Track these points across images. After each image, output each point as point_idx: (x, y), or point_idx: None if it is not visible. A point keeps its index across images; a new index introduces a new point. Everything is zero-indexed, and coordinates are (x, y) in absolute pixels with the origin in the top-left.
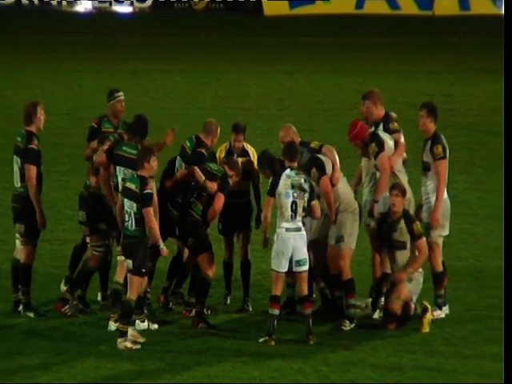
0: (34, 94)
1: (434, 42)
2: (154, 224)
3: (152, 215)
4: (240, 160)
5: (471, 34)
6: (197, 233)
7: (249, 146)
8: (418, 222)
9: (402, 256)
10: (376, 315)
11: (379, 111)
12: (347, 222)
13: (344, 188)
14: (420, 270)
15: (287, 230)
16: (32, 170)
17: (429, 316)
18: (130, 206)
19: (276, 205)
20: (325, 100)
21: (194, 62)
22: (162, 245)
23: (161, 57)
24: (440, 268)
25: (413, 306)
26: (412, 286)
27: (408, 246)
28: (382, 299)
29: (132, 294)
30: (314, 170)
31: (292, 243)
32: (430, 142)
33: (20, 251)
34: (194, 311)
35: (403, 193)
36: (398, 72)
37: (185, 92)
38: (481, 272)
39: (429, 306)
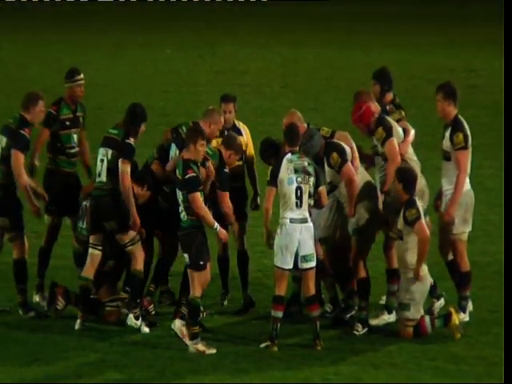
0: (7, 70)
1: (455, 12)
2: (204, 210)
3: (200, 201)
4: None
5: (497, 1)
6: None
7: (240, 123)
8: (411, 209)
9: (400, 247)
10: (389, 318)
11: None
12: (365, 212)
13: (362, 175)
14: (424, 271)
15: (292, 220)
16: (20, 158)
17: (454, 320)
18: (177, 194)
19: (278, 195)
20: (333, 76)
21: (187, 32)
22: (218, 227)
23: (148, 27)
24: (466, 267)
25: (427, 321)
26: (419, 292)
27: (405, 237)
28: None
29: (195, 292)
30: (334, 156)
31: (297, 236)
32: (450, 129)
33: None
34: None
35: (398, 177)
36: (415, 45)
37: (176, 67)
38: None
39: (452, 310)
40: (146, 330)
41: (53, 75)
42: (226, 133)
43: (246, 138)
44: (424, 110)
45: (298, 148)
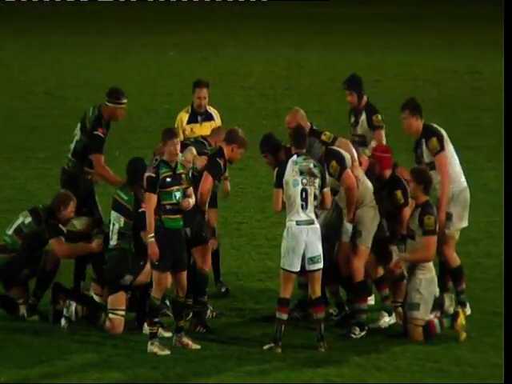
0: (10, 72)
1: (459, 13)
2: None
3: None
4: (205, 125)
5: (500, 3)
6: (193, 221)
7: (211, 108)
8: (431, 217)
9: (410, 246)
10: (390, 320)
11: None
12: (367, 217)
13: (363, 182)
14: (428, 275)
15: (298, 223)
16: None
17: (461, 320)
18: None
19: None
20: (336, 77)
21: (190, 34)
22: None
23: (152, 28)
24: (456, 262)
25: (436, 321)
26: (424, 294)
27: (416, 238)
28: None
29: (153, 291)
30: (333, 164)
31: (304, 238)
32: (423, 141)
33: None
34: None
35: (416, 179)
36: (418, 46)
37: (180, 69)
38: None
39: (459, 310)
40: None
41: (55, 77)
42: (199, 118)
43: (217, 122)
44: (427, 112)
45: (304, 150)
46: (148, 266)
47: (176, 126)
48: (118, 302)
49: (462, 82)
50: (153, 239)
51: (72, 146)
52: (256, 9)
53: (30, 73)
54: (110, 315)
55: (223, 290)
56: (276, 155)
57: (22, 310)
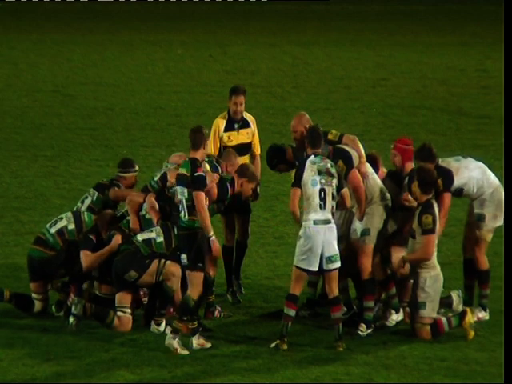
0: (18, 70)
1: (467, 11)
2: (205, 211)
3: (203, 200)
4: (242, 132)
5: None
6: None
7: (247, 114)
8: (429, 216)
9: (412, 245)
10: (398, 317)
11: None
12: (376, 214)
13: (372, 179)
14: (433, 272)
15: (315, 222)
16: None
17: (469, 319)
18: (179, 193)
19: (302, 197)
20: (344, 76)
21: (198, 32)
22: (213, 236)
23: (160, 26)
24: (486, 265)
25: (443, 320)
26: (429, 292)
27: (417, 236)
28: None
29: (192, 292)
30: (340, 164)
31: (322, 238)
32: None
33: None
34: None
35: (417, 178)
36: (426, 44)
37: (187, 66)
38: None
39: (467, 309)
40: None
41: (63, 75)
42: (235, 126)
43: (253, 128)
44: (435, 110)
45: (320, 150)
46: (154, 264)
47: (213, 132)
48: (126, 299)
49: (469, 80)
50: (214, 236)
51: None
52: (263, 7)
53: (37, 71)
54: (118, 313)
55: (230, 298)
56: (286, 161)
57: (38, 307)
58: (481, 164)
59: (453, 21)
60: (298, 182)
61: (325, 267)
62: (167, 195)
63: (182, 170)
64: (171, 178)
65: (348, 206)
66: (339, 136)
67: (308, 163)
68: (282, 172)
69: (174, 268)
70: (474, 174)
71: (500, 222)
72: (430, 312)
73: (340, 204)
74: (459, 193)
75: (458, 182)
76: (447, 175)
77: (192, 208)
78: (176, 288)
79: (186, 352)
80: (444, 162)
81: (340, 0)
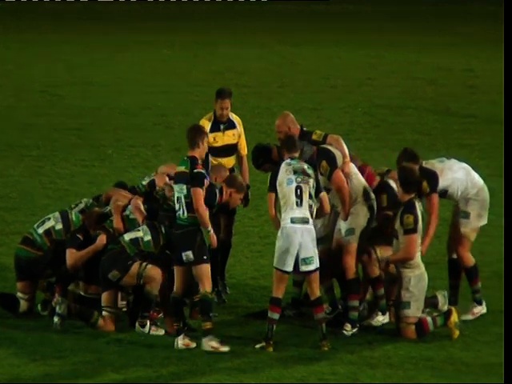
0: (5, 70)
1: (454, 11)
2: (203, 207)
3: (201, 198)
4: (227, 133)
5: (494, 1)
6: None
7: (233, 115)
8: (410, 216)
9: (396, 246)
10: (384, 319)
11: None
12: (361, 214)
13: (356, 178)
14: (417, 272)
15: (293, 220)
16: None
17: (454, 318)
18: (178, 191)
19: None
20: (330, 75)
21: (186, 32)
22: (211, 231)
23: (147, 27)
24: (471, 262)
25: (428, 319)
26: (414, 291)
27: (400, 237)
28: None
29: (206, 287)
30: (324, 164)
31: (298, 239)
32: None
33: None
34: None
35: (399, 178)
36: (413, 44)
37: (175, 67)
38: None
39: (452, 308)
40: (159, 332)
41: (51, 75)
42: (221, 127)
43: (239, 130)
44: (421, 110)
45: (296, 155)
46: (135, 267)
47: None
48: (111, 299)
49: (456, 79)
50: (212, 230)
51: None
52: (250, 7)
53: (25, 71)
54: (103, 313)
55: (216, 298)
56: (271, 160)
57: (24, 306)
58: (464, 165)
59: (440, 21)
60: (272, 187)
61: (300, 269)
62: (155, 197)
63: (181, 168)
64: (159, 183)
65: (327, 212)
66: (323, 136)
67: (283, 165)
68: (268, 171)
69: (154, 272)
70: (458, 175)
71: (484, 221)
72: (414, 311)
73: (319, 211)
74: (443, 194)
75: (442, 183)
76: (432, 177)
77: (190, 205)
78: (156, 292)
79: (226, 348)
80: (428, 163)
81: (327, 1)
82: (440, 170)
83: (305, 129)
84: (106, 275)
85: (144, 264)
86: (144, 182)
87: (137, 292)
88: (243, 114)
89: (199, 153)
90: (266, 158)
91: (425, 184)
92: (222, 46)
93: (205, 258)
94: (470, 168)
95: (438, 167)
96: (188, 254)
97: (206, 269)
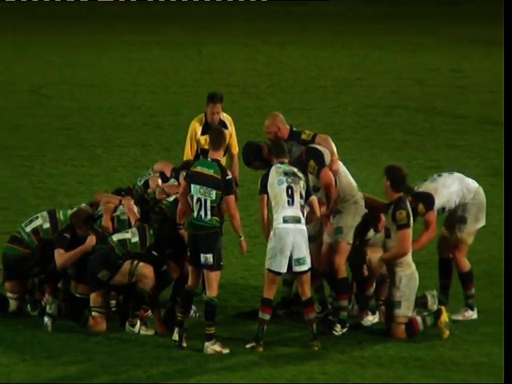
0: None
1: (442, 12)
2: (238, 213)
3: (235, 202)
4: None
5: (482, 2)
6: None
7: (224, 114)
8: (403, 211)
9: (387, 244)
10: (374, 319)
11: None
12: (348, 213)
13: (345, 177)
14: (408, 271)
15: (285, 220)
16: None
17: (444, 318)
18: (201, 193)
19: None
20: (320, 75)
21: (173, 32)
22: (243, 236)
23: (135, 27)
24: (467, 267)
25: (418, 319)
26: (405, 291)
27: (392, 234)
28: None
29: (213, 292)
30: (312, 163)
31: (291, 240)
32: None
33: None
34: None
35: (387, 176)
36: (402, 44)
37: (163, 66)
38: (495, 268)
39: (442, 308)
40: (149, 332)
41: (39, 75)
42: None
43: (230, 129)
44: (410, 110)
45: (286, 160)
46: (126, 265)
47: (189, 135)
48: (100, 300)
49: (445, 79)
50: (243, 237)
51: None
52: (239, 7)
53: (13, 71)
54: (93, 313)
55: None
56: (262, 158)
57: (13, 306)
58: (456, 175)
59: (428, 21)
60: (264, 189)
61: (294, 269)
62: (146, 198)
63: (210, 172)
64: (152, 185)
65: (317, 216)
66: (312, 136)
67: (273, 168)
68: (258, 169)
69: (146, 270)
70: (452, 189)
71: (482, 223)
72: (405, 311)
73: (309, 215)
74: (442, 211)
75: (439, 201)
76: (427, 198)
77: (216, 209)
78: (148, 289)
79: (227, 351)
80: (421, 187)
81: (315, 2)
82: (434, 190)
83: (294, 129)
84: (96, 275)
85: (135, 262)
86: (140, 183)
87: (127, 291)
88: (232, 114)
89: (220, 155)
90: (256, 156)
91: (420, 206)
92: (210, 47)
93: (221, 264)
94: (462, 176)
95: (431, 188)
96: (208, 257)
97: (218, 275)
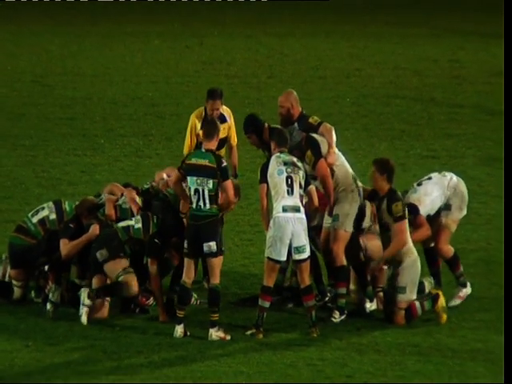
0: None
1: (440, 2)
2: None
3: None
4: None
5: None
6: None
7: (224, 107)
8: (398, 203)
9: (388, 239)
10: (371, 306)
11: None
12: (345, 201)
13: (341, 166)
14: (412, 256)
15: (285, 209)
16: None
17: (441, 302)
18: (199, 184)
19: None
20: (319, 66)
21: (174, 23)
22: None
23: (137, 18)
24: (450, 253)
25: (417, 304)
26: (409, 276)
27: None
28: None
29: (217, 279)
30: (308, 153)
31: (291, 228)
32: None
33: None
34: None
35: (379, 169)
36: (400, 35)
37: (164, 57)
38: (491, 256)
39: (439, 292)
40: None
41: (42, 65)
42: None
43: (229, 122)
44: (408, 100)
45: (286, 149)
46: (119, 263)
47: (189, 129)
48: (101, 283)
49: (442, 70)
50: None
51: None
52: None
53: (16, 61)
54: (96, 299)
55: (206, 285)
56: (260, 135)
57: (17, 294)
58: (434, 178)
59: (426, 12)
60: (263, 178)
61: (293, 257)
62: (150, 192)
63: (205, 161)
64: (157, 178)
65: (316, 205)
66: (319, 122)
67: (273, 158)
68: (251, 143)
69: (130, 279)
70: (434, 194)
71: (464, 213)
72: (409, 295)
73: (307, 204)
74: (428, 217)
75: (424, 210)
76: (409, 206)
77: (214, 197)
78: (125, 296)
79: (229, 337)
80: (404, 199)
81: None
82: (418, 201)
83: (304, 112)
84: (95, 254)
85: (127, 269)
86: (146, 186)
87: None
88: (233, 105)
89: (214, 145)
90: (255, 130)
91: (399, 206)
92: (211, 38)
93: (223, 249)
94: (439, 176)
95: (415, 198)
96: (212, 245)
97: (220, 261)
